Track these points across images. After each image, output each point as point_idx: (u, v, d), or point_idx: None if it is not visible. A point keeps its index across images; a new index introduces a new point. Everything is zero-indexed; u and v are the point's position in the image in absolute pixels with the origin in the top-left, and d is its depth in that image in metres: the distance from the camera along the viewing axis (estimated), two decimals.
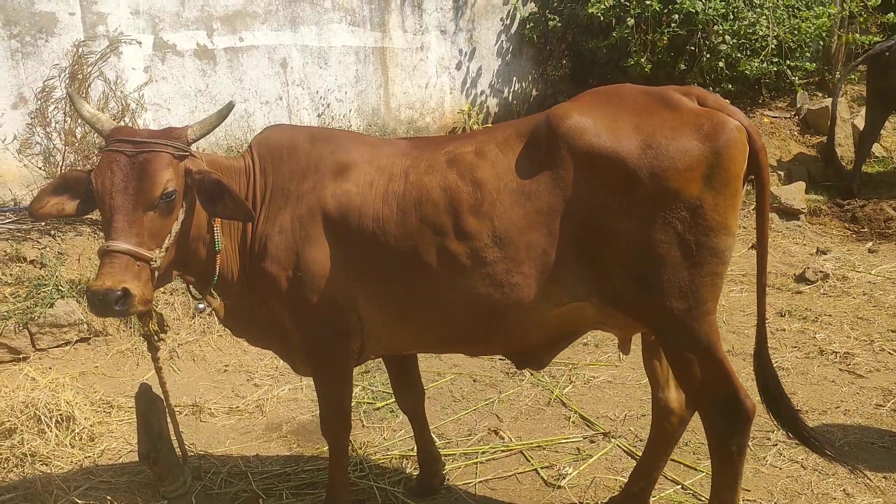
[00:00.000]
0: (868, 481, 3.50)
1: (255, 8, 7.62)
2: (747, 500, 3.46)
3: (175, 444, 3.60)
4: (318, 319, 3.09)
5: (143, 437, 3.58)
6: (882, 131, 9.28)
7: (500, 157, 2.91)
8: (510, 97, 9.66)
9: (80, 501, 3.63)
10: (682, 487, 3.64)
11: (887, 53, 8.27)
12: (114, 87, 6.28)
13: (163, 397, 3.47)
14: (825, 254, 7.10)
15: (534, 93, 9.80)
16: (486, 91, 9.43)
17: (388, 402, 4.68)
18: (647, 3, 8.29)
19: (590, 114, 2.81)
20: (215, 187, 2.85)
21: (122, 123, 5.63)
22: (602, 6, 8.51)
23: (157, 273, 2.80)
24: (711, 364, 2.81)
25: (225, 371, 5.27)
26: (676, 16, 8.35)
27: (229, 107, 2.98)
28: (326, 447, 4.19)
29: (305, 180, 3.09)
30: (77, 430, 4.24)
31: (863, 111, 9.35)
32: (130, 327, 5.44)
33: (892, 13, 9.37)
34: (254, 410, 4.72)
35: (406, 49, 8.69)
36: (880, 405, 4.27)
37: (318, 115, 8.03)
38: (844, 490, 3.50)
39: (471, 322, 2.99)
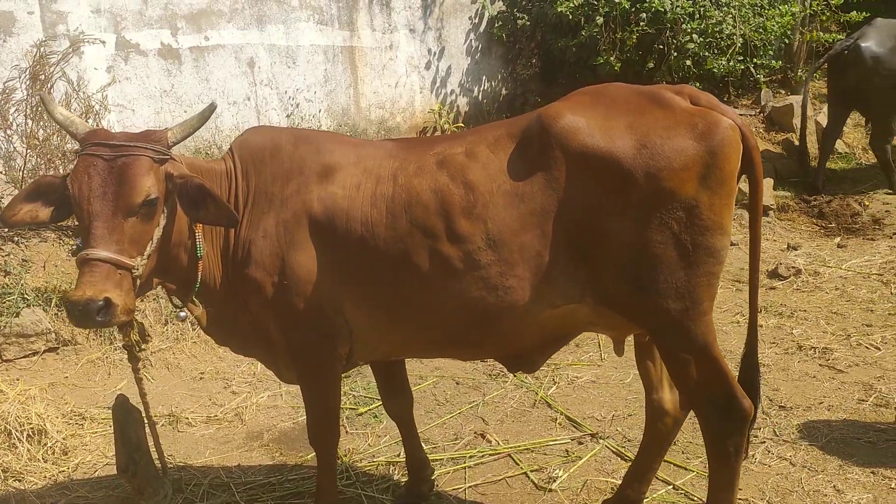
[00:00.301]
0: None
1: (220, 6, 7.46)
2: (739, 499, 3.45)
3: (154, 455, 3.48)
4: (305, 324, 3.01)
5: (120, 450, 3.45)
6: (844, 128, 9.45)
7: (492, 159, 2.86)
8: (480, 96, 9.62)
9: None
10: (674, 487, 3.63)
11: (846, 52, 8.41)
12: (76, 88, 6.09)
13: (143, 408, 3.35)
14: (796, 249, 7.18)
15: (503, 92, 9.77)
16: (456, 90, 9.38)
17: (370, 407, 4.60)
18: (616, 1, 8.32)
19: (582, 113, 2.77)
20: (198, 192, 2.75)
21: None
22: (571, 4, 8.50)
23: (138, 281, 2.70)
24: (708, 364, 2.79)
25: (201, 379, 5.14)
26: (644, 14, 8.39)
27: (211, 108, 2.89)
28: (310, 455, 4.15)
29: (289, 183, 3.01)
30: (49, 444, 4.10)
31: (825, 108, 9.50)
32: (100, 336, 5.28)
33: (854, 12, 9.53)
34: (233, 419, 4.61)
35: (375, 48, 8.60)
36: (863, 400, 4.30)
37: (288, 116, 7.90)
38: (835, 486, 3.51)
39: (463, 326, 2.94)
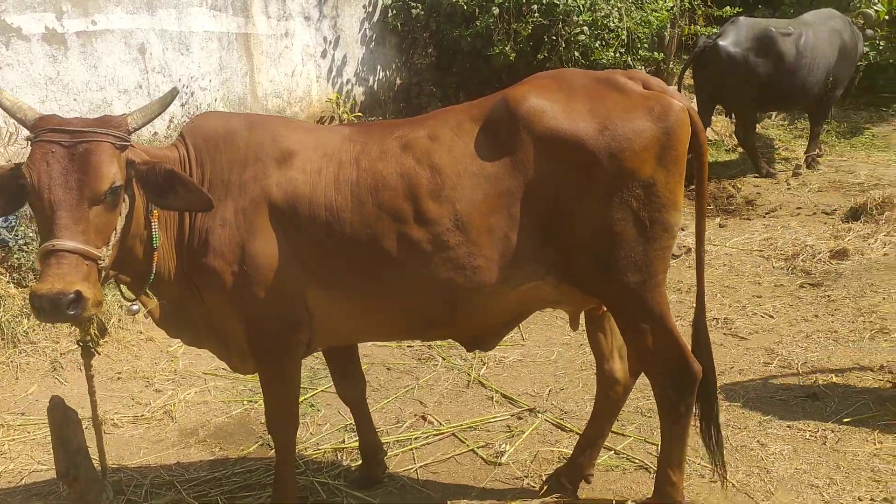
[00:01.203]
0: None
1: None
2: None
3: (94, 457, 3.33)
4: (266, 313, 2.99)
5: (59, 455, 3.27)
6: (712, 117, 10.16)
7: (457, 141, 2.93)
8: (375, 86, 9.61)
9: None
10: (615, 452, 3.84)
11: (706, 48, 9.03)
12: None
13: (91, 408, 3.22)
14: (683, 230, 7.64)
15: (398, 81, 9.80)
16: (352, 80, 9.33)
17: (305, 396, 4.57)
18: None
19: (545, 96, 2.89)
20: (167, 177, 2.67)
21: None
22: None
23: (104, 273, 2.60)
24: (663, 332, 3.00)
25: (119, 379, 4.91)
26: (536, 6, 8.64)
27: (173, 93, 2.80)
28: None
29: (246, 169, 2.97)
30: None
31: (695, 99, 10.17)
32: (3, 339, 4.94)
33: (727, 6, 10.21)
34: (162, 417, 4.45)
35: (270, 36, 8.42)
36: (768, 363, 4.70)
37: (182, 105, 7.60)
38: (759, 441, 3.84)
39: (430, 307, 3.00)
